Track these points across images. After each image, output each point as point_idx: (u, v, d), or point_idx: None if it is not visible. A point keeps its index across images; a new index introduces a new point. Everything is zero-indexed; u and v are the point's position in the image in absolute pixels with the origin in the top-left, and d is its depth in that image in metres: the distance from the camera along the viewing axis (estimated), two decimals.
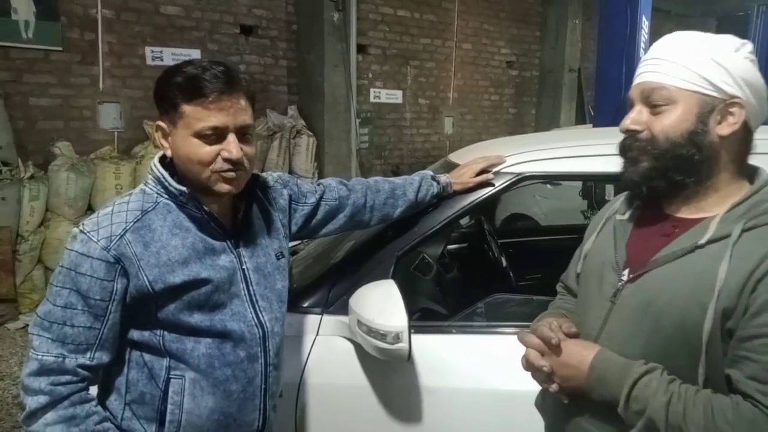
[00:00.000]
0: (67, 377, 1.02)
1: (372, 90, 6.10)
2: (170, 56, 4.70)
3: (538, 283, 2.75)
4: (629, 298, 0.94)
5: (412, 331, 1.29)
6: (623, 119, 0.97)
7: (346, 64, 5.36)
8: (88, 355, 1.04)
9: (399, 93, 6.35)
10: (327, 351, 1.47)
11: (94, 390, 1.10)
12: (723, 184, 0.92)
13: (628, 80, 4.11)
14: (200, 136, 1.03)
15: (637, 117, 0.95)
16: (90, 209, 4.14)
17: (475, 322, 1.56)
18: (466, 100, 7.06)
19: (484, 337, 1.48)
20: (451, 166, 1.69)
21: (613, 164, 1.53)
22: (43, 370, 1.01)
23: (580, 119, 7.69)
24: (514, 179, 1.53)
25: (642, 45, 4.04)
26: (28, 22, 4.00)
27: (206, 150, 1.03)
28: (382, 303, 1.32)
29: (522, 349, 1.44)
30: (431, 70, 6.61)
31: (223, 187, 1.07)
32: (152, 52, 4.63)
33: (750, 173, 0.95)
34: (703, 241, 0.87)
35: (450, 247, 2.69)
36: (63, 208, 3.98)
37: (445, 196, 1.55)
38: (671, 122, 0.91)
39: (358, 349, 1.43)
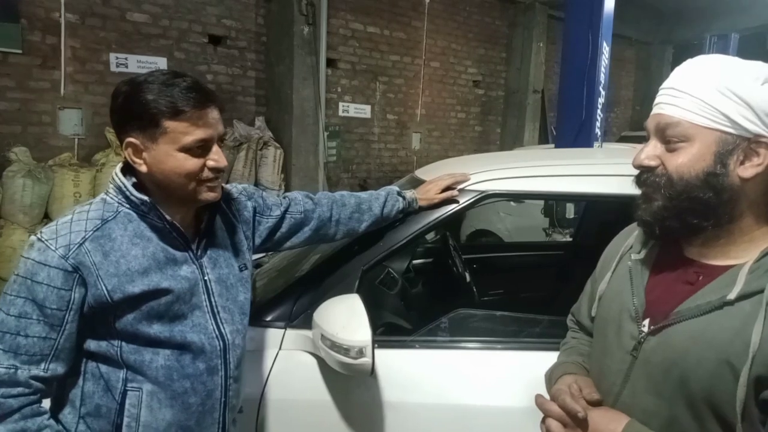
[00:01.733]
0: (19, 389, 0.99)
1: (341, 104, 6.13)
2: (135, 63, 4.63)
3: (501, 299, 2.80)
4: (652, 354, 0.86)
5: (376, 345, 1.30)
6: (637, 153, 0.89)
7: (315, 77, 5.38)
8: (42, 366, 1.01)
9: (367, 108, 6.40)
10: (289, 365, 1.46)
11: (47, 403, 1.07)
12: (750, 228, 0.84)
13: (589, 103, 4.29)
14: (187, 149, 1.03)
15: (651, 152, 0.87)
16: (47, 217, 4.01)
17: (438, 337, 1.57)
18: (433, 117, 7.15)
19: (447, 352, 1.50)
20: (417, 182, 1.70)
21: (573, 184, 1.59)
22: None
23: (543, 139, 7.89)
24: (477, 197, 1.56)
25: (603, 69, 4.20)
26: None
27: (194, 162, 1.05)
28: (346, 317, 1.31)
29: (487, 365, 1.47)
30: (400, 86, 6.69)
31: (210, 195, 1.09)
32: (117, 58, 4.55)
33: None
34: (732, 296, 0.79)
35: (415, 261, 2.71)
36: (18, 215, 3.85)
37: (410, 211, 1.56)
38: (686, 161, 0.83)
39: (321, 363, 1.42)
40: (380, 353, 1.34)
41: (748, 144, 0.80)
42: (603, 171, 1.59)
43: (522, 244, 3.51)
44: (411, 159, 6.93)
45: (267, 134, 5.33)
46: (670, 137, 0.85)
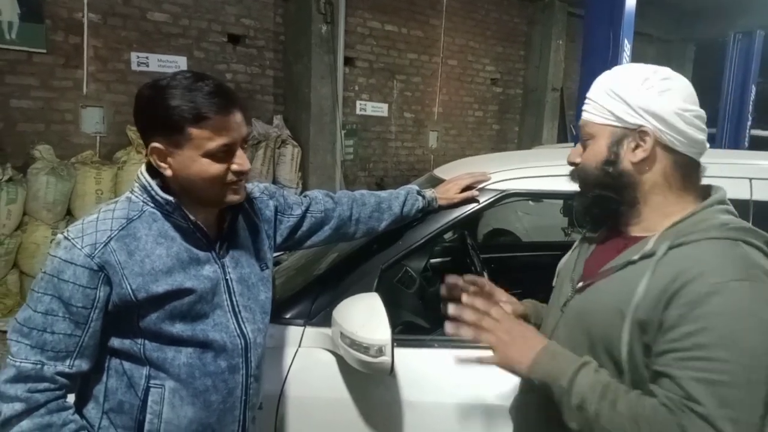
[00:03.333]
0: (45, 384, 1.00)
1: (358, 102, 6.14)
2: (156, 62, 4.69)
3: (519, 299, 2.78)
4: (572, 308, 1.03)
5: (395, 344, 1.30)
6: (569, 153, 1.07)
7: (332, 75, 5.39)
8: (67, 362, 1.02)
9: (385, 106, 6.40)
10: (309, 363, 1.47)
11: (71, 398, 1.09)
12: (661, 205, 0.97)
13: None
14: (211, 155, 1.04)
15: (576, 151, 1.05)
16: (69, 214, 4.08)
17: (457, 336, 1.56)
18: (450, 115, 7.13)
19: (465, 352, 1.49)
20: (436, 181, 1.70)
21: None
22: (20, 377, 0.99)
23: (562, 137, 7.82)
24: (497, 196, 1.56)
25: None
26: (12, 23, 3.96)
27: (218, 167, 1.05)
28: (365, 316, 1.32)
29: None
30: (417, 84, 6.68)
31: (234, 198, 1.10)
32: (138, 57, 4.61)
33: (705, 194, 0.98)
34: (636, 257, 0.93)
35: (433, 260, 2.70)
36: (41, 212, 3.92)
37: (430, 210, 1.56)
38: (590, 155, 1.00)
39: (340, 361, 1.43)
40: (399, 352, 1.34)
41: (636, 133, 0.95)
42: None
43: (540, 244, 3.47)
44: (428, 157, 6.92)
45: (285, 132, 5.36)
46: (582, 137, 1.02)
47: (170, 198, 1.07)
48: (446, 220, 1.56)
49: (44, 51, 4.15)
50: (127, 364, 1.09)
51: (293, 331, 1.50)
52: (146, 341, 1.07)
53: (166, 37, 4.77)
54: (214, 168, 1.05)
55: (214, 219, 1.16)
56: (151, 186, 1.08)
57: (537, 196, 1.70)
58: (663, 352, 0.83)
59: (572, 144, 6.04)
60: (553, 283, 1.19)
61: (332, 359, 1.46)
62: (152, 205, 1.08)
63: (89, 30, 4.34)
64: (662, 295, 0.84)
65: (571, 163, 1.06)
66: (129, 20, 4.55)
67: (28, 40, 4.06)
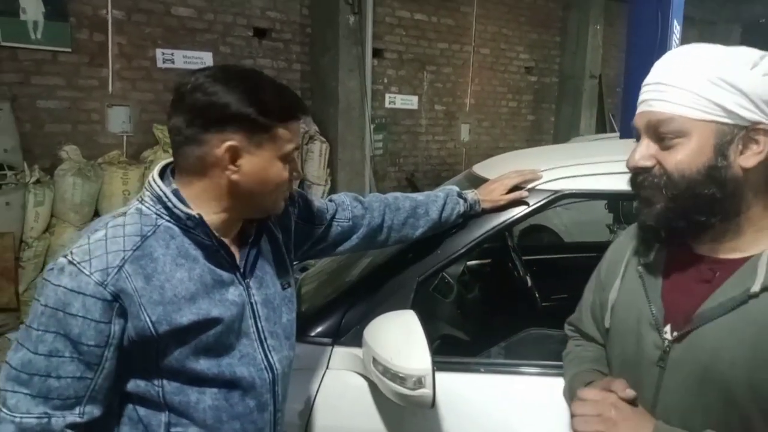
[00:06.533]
0: None
1: (387, 95, 5.96)
2: (181, 59, 4.60)
3: (565, 305, 2.57)
4: (681, 363, 0.83)
5: (435, 369, 1.13)
6: (630, 154, 0.85)
7: (361, 68, 5.23)
8: (77, 410, 0.87)
9: (414, 98, 6.21)
10: (338, 388, 1.31)
11: None
12: (759, 218, 0.82)
13: None
14: (284, 158, 0.95)
15: (645, 151, 0.84)
16: (97, 215, 4.03)
17: (506, 360, 1.38)
18: (483, 107, 6.89)
19: (516, 378, 1.30)
20: (476, 180, 1.52)
21: None
22: None
23: (601, 127, 7.49)
24: (550, 197, 1.36)
25: None
26: (37, 22, 3.91)
27: (287, 171, 0.97)
28: (401, 339, 1.15)
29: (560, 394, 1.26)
30: (448, 75, 6.46)
31: (282, 206, 1.03)
32: (163, 54, 4.52)
33: None
34: (756, 288, 0.76)
35: (470, 263, 2.51)
36: (69, 214, 3.87)
37: (472, 215, 1.38)
38: (685, 157, 0.80)
39: (373, 386, 1.27)
40: (440, 376, 1.16)
41: (746, 132, 0.78)
42: None
43: (587, 245, 3.22)
44: (460, 151, 6.70)
45: (312, 128, 5.23)
46: (664, 134, 0.81)
47: (193, 213, 0.90)
48: (491, 225, 1.37)
49: (69, 50, 4.09)
50: (142, 410, 0.93)
51: (320, 351, 1.34)
52: (165, 382, 0.92)
53: (191, 32, 4.67)
54: (286, 173, 0.97)
55: (236, 233, 1.01)
56: (167, 197, 0.91)
57: (598, 197, 1.49)
58: None
59: (614, 134, 5.73)
60: (607, 324, 0.97)
61: (364, 383, 1.30)
62: (167, 217, 0.92)
63: (113, 27, 4.27)
64: None
65: (636, 168, 0.85)
66: (153, 16, 4.47)
67: (54, 39, 4.01)
